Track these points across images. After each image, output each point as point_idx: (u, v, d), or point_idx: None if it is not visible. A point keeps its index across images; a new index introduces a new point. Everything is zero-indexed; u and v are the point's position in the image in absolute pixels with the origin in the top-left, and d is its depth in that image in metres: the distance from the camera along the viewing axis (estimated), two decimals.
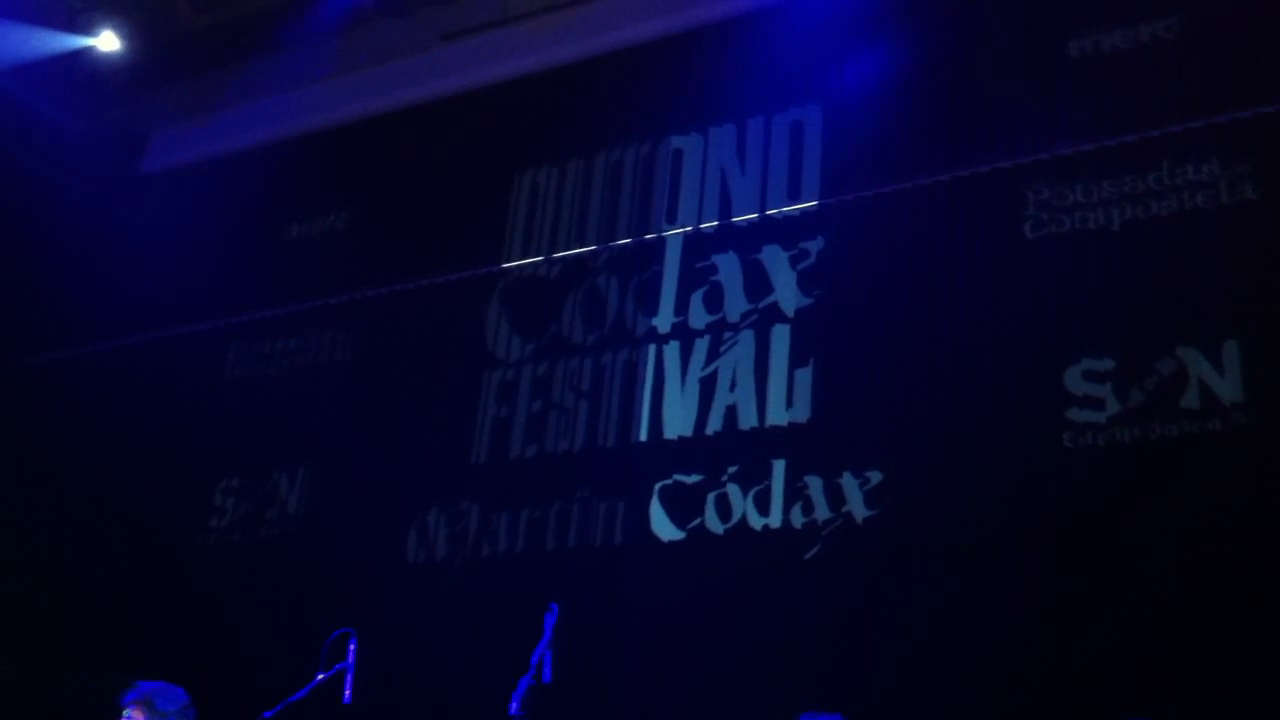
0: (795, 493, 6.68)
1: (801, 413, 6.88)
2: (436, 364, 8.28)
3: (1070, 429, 6.16)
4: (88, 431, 8.98)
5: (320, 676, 5.45)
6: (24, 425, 9.13)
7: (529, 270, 8.24)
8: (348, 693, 5.45)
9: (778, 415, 6.94)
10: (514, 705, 5.46)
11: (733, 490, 6.88)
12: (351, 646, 5.45)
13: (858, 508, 6.51)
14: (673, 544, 6.96)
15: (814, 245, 7.28)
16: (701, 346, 7.34)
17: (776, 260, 7.35)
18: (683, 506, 6.99)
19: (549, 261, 8.19)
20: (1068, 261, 6.54)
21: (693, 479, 7.02)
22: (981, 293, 6.70)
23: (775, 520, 6.69)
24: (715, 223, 7.66)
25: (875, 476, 6.51)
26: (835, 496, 6.58)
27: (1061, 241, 6.58)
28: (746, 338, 7.22)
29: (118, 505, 8.62)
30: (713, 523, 6.88)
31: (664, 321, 7.55)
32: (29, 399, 9.31)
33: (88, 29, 9.35)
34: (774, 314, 7.21)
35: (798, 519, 6.63)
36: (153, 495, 8.63)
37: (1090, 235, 6.53)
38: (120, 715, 4.52)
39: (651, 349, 7.50)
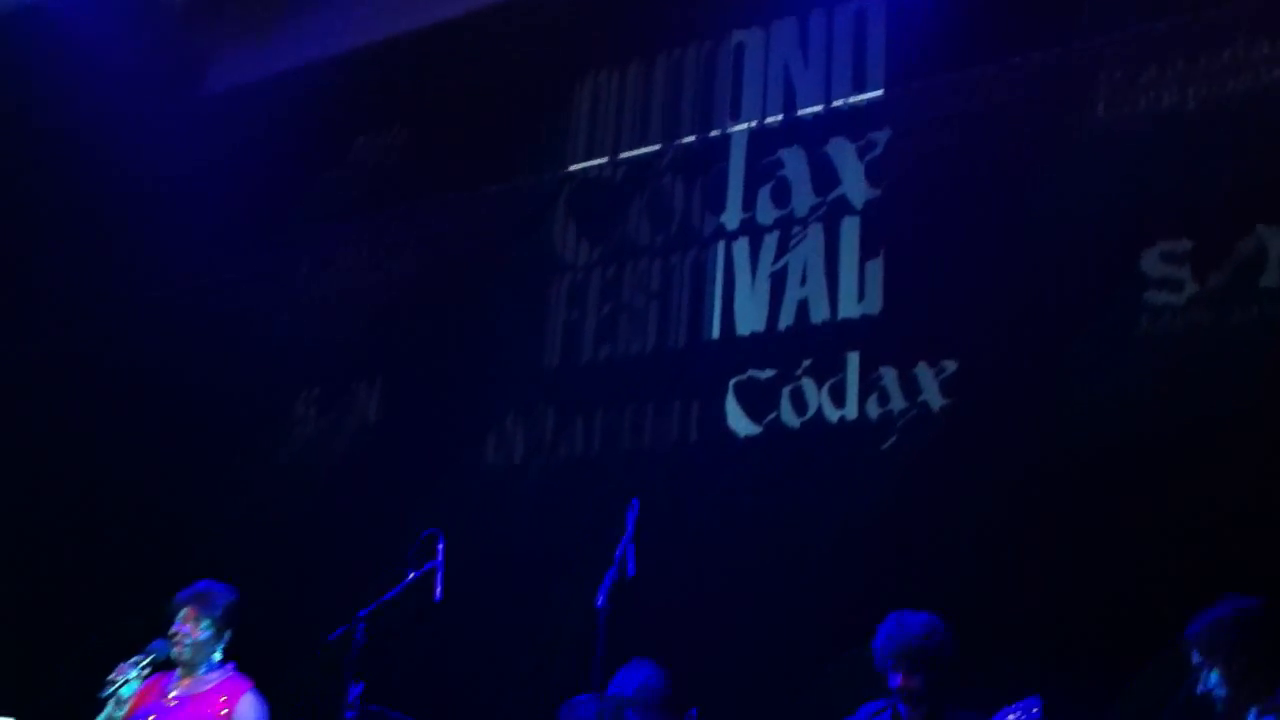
0: (870, 384, 6.70)
1: (873, 305, 6.87)
2: (505, 271, 8.34)
3: (1148, 312, 6.11)
4: (165, 354, 9.12)
5: (411, 576, 5.58)
6: (103, 352, 9.30)
7: (594, 173, 8.24)
8: (438, 591, 5.59)
9: (850, 308, 6.93)
10: (600, 599, 5.59)
11: (807, 384, 6.90)
12: (439, 546, 5.57)
13: (933, 397, 6.51)
14: (749, 439, 7.02)
15: (880, 136, 7.21)
16: (770, 242, 7.33)
17: (843, 152, 7.29)
18: (757, 402, 7.03)
19: (613, 164, 8.18)
20: (1142, 142, 6.43)
21: (767, 374, 7.05)
22: (1054, 177, 6.61)
23: (851, 412, 6.72)
24: (780, 117, 7.60)
25: (950, 366, 6.51)
26: (911, 387, 6.58)
27: (1135, 122, 6.47)
28: (815, 231, 7.19)
29: (202, 424, 8.79)
30: (788, 417, 6.92)
31: (731, 218, 7.53)
32: (108, 326, 9.46)
33: None
34: (842, 206, 7.17)
35: (873, 410, 6.65)
36: (235, 411, 8.79)
37: (1165, 115, 6.41)
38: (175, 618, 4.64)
39: (720, 246, 7.50)
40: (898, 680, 4.47)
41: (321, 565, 7.58)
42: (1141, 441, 5.91)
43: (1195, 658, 4.15)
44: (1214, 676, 4.05)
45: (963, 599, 5.74)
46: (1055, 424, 6.18)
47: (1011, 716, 3.85)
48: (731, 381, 7.14)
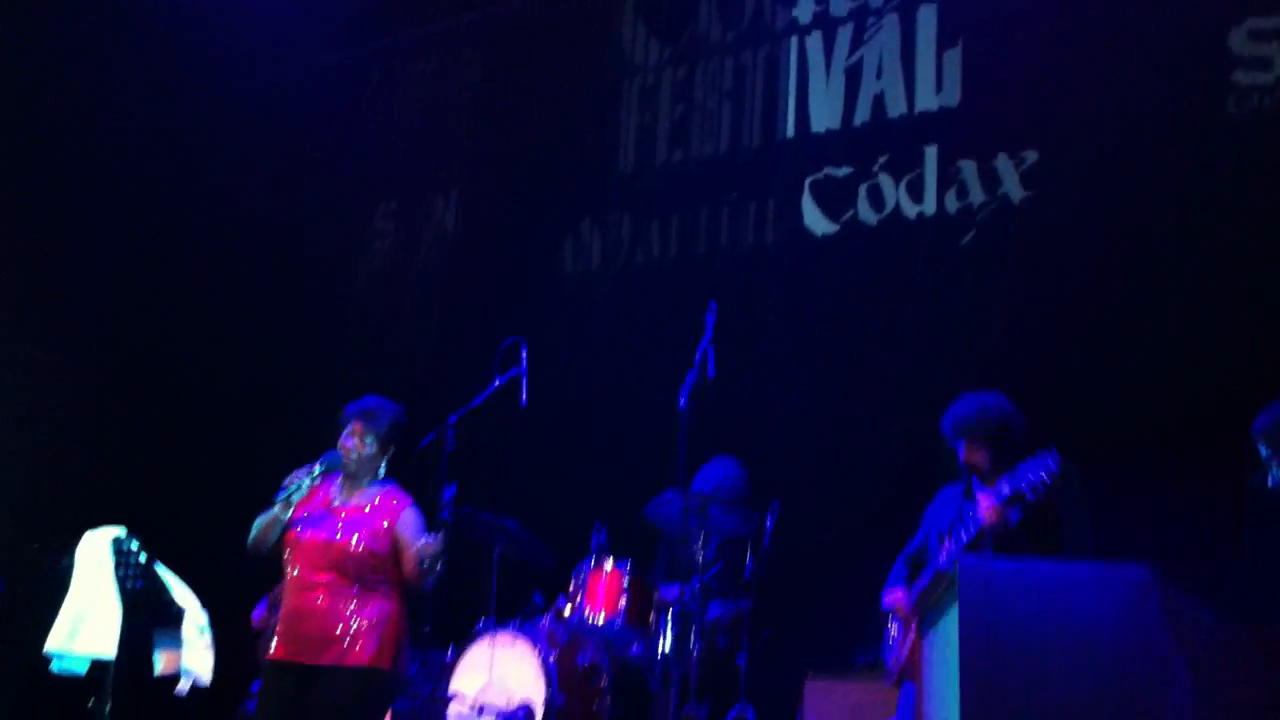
0: (949, 178, 6.61)
1: (952, 96, 6.73)
2: (576, 76, 8.25)
3: (1235, 92, 5.92)
4: (241, 176, 9.19)
5: (496, 382, 5.71)
6: (184, 169, 9.39)
7: None
8: (523, 396, 5.72)
9: (927, 100, 6.80)
10: (681, 400, 5.69)
11: (884, 180, 6.83)
12: (523, 353, 5.68)
13: (1014, 189, 6.42)
14: (826, 238, 6.99)
15: None
16: (844, 35, 7.16)
17: None
18: (834, 199, 6.98)
19: None
20: None
21: (843, 171, 6.98)
22: None
23: (929, 207, 6.65)
24: None
25: (1031, 156, 6.39)
26: (990, 179, 6.49)
27: None
28: (891, 22, 7.01)
29: (283, 243, 8.90)
30: (865, 214, 6.87)
31: (804, 12, 7.36)
32: (187, 148, 9.52)
33: None
34: None
35: (952, 204, 6.58)
36: (315, 228, 8.89)
37: None
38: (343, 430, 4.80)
39: (793, 41, 7.34)
40: (962, 454, 4.52)
41: (408, 374, 7.75)
42: (1226, 231, 5.81)
43: (1263, 452, 4.16)
44: None
45: (1039, 392, 5.77)
46: (1138, 213, 6.08)
47: (1031, 472, 3.91)
48: (807, 180, 7.08)
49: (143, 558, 4.12)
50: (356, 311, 8.49)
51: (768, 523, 6.27)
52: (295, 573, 4.62)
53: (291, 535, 4.64)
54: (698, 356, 5.82)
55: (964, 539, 4.17)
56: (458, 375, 6.20)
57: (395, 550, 4.64)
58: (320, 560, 4.58)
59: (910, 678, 4.38)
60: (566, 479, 7.14)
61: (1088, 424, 5.79)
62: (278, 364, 8.32)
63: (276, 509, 4.60)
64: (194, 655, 4.23)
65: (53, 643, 4.11)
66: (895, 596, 4.50)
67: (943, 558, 4.26)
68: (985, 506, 4.08)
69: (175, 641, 4.21)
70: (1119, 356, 5.92)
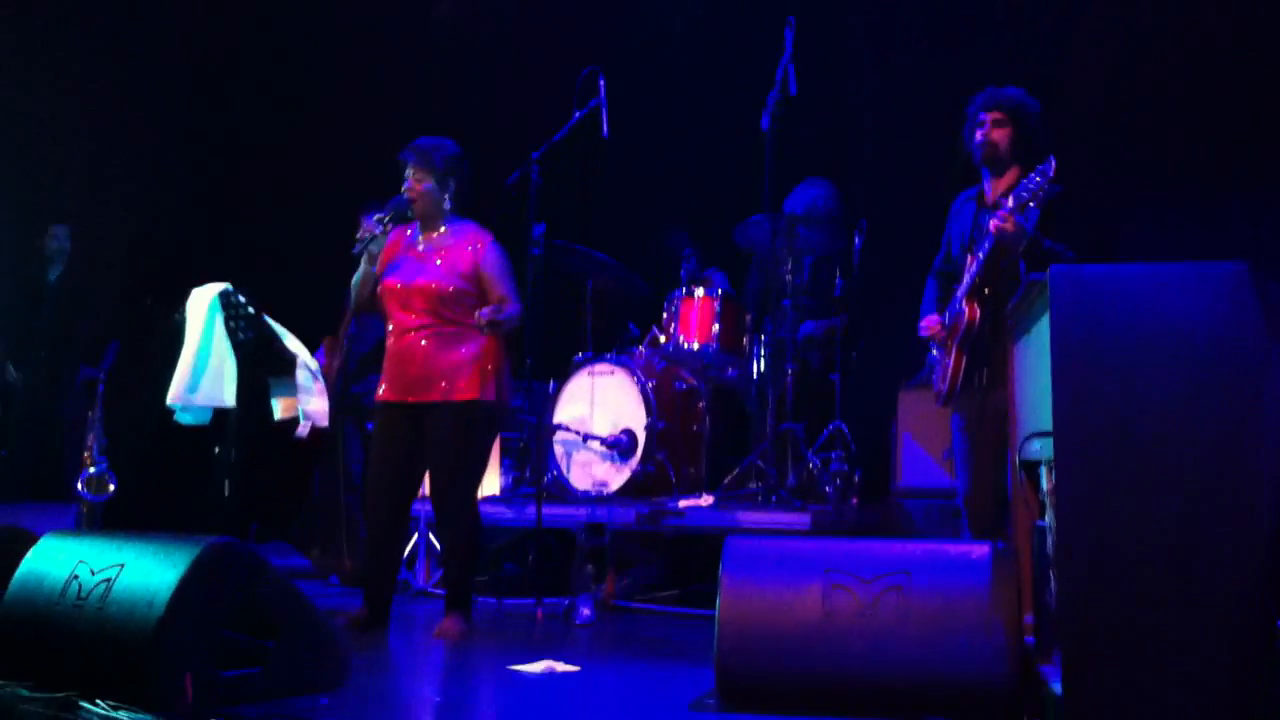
0: None
1: None
2: None
3: None
4: None
5: (576, 115, 5.67)
6: None
7: None
8: (604, 127, 5.69)
9: None
10: (764, 120, 5.63)
11: None
12: (600, 83, 5.62)
13: None
14: None
15: None
16: None
17: None
18: None
19: None
20: None
21: None
22: None
23: None
24: None
25: None
26: None
27: None
28: None
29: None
30: None
31: None
32: None
33: None
34: None
35: None
36: None
37: None
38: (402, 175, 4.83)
39: None
40: (983, 131, 4.41)
41: (488, 114, 7.71)
42: None
43: None
44: None
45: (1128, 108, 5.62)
46: None
47: (1036, 176, 3.86)
48: None
49: (250, 309, 4.26)
50: (435, 52, 8.36)
51: (856, 241, 6.29)
52: (392, 319, 4.76)
53: (385, 285, 4.75)
54: (779, 75, 5.73)
55: (981, 257, 4.14)
56: (537, 110, 6.15)
57: (482, 287, 4.75)
58: (413, 304, 4.70)
59: (957, 406, 4.41)
60: (654, 208, 7.15)
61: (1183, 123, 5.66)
62: (357, 119, 8.31)
63: (363, 264, 4.71)
64: (309, 399, 4.41)
65: (173, 396, 4.29)
66: (929, 321, 4.49)
67: (972, 272, 4.23)
68: (996, 218, 4.02)
69: (290, 387, 4.39)
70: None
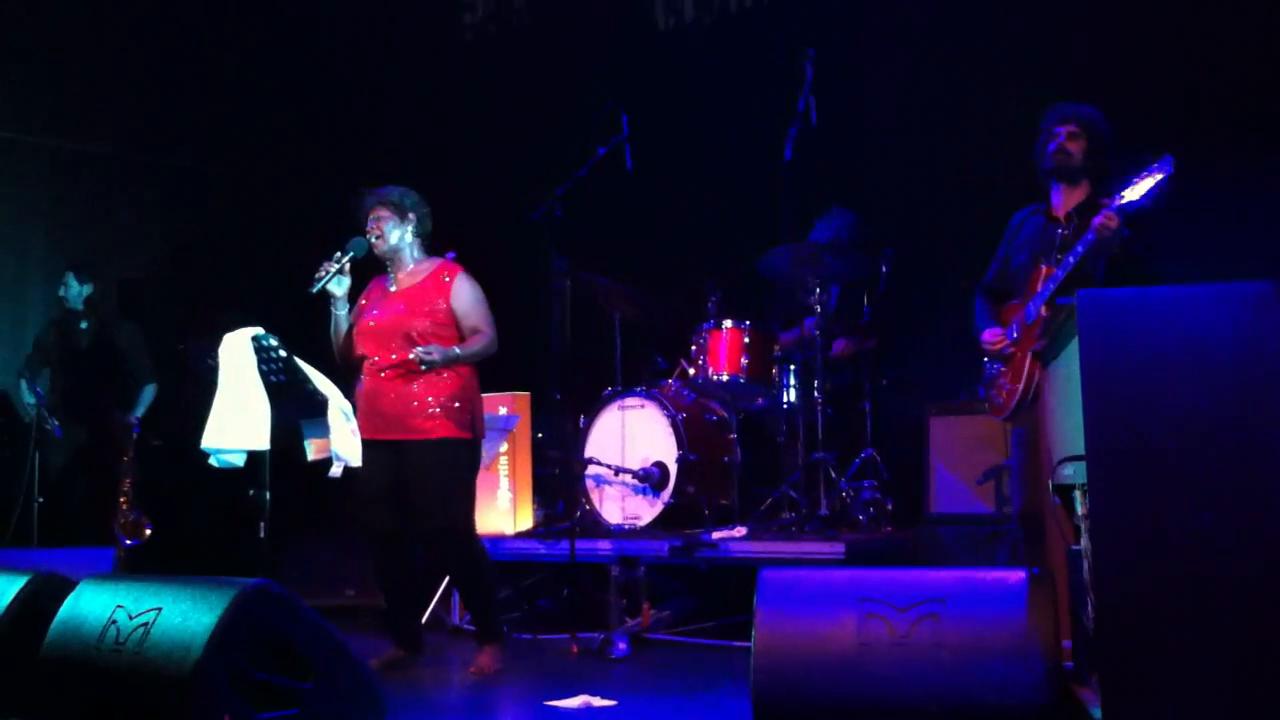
0: None
1: None
2: None
3: None
4: None
5: (600, 152, 5.72)
6: None
7: None
8: (629, 162, 5.73)
9: None
10: (787, 151, 5.65)
11: None
12: (623, 119, 5.66)
13: None
14: None
15: None
16: None
17: None
18: None
19: None
20: None
21: None
22: None
23: None
24: None
25: None
26: None
27: None
28: None
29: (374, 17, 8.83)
30: None
31: None
32: None
33: None
34: None
35: None
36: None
37: None
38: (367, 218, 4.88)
39: None
40: (1057, 141, 4.40)
41: (509, 148, 7.75)
42: None
43: None
44: None
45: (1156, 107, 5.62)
46: None
47: (1150, 173, 3.84)
48: None
49: (282, 353, 4.29)
50: (454, 82, 8.40)
51: (882, 268, 6.29)
52: (367, 360, 4.80)
53: (359, 327, 4.82)
54: (799, 106, 5.75)
55: (1071, 261, 4.11)
56: (561, 145, 6.19)
57: (456, 322, 4.79)
58: (387, 343, 4.74)
59: (1019, 420, 4.36)
60: (677, 240, 7.17)
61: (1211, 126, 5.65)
62: (376, 130, 8.37)
63: (333, 314, 4.77)
64: (341, 440, 4.43)
65: (208, 440, 4.32)
66: (993, 334, 4.44)
67: (1047, 284, 4.18)
68: (1100, 215, 3.98)
69: (323, 429, 4.41)
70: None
